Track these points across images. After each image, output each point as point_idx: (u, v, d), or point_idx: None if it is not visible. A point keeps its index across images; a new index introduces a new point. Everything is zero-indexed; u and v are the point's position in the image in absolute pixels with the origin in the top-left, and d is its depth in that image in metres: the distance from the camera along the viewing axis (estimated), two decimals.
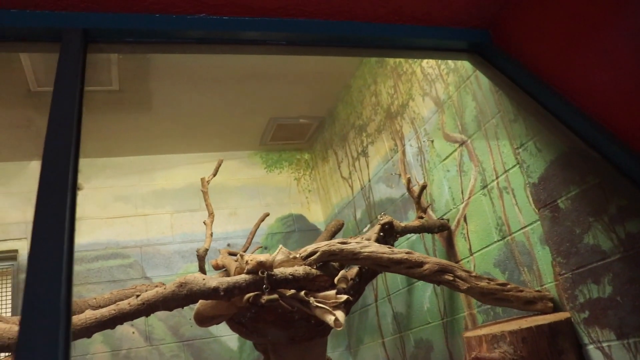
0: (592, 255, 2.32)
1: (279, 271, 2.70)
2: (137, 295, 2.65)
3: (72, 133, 1.55)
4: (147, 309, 2.62)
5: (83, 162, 4.78)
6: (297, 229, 5.70)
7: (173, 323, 4.90)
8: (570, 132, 2.21)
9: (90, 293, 4.76)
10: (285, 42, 2.42)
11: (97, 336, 4.67)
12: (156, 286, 3.09)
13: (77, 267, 4.90)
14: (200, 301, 2.87)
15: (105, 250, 5.08)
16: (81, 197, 5.14)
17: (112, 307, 2.60)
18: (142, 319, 4.84)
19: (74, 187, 1.37)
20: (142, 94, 4.54)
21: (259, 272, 2.62)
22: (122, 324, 2.62)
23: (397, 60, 4.04)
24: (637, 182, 1.96)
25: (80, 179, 5.15)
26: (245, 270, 2.68)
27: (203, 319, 2.91)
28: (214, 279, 2.63)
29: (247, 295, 2.72)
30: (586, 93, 2.19)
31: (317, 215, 5.80)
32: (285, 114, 5.35)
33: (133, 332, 4.80)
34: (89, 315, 2.52)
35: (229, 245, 5.26)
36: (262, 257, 2.65)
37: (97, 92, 4.36)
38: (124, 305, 2.60)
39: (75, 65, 1.93)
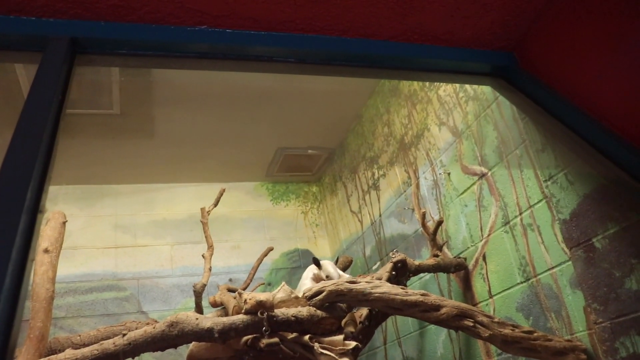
0: (636, 302, 2.05)
1: (280, 312, 2.46)
2: (124, 334, 2.40)
3: (35, 157, 1.33)
4: (133, 349, 2.38)
5: (80, 189, 4.56)
6: (303, 264, 5.42)
7: None
8: (610, 161, 1.97)
9: (82, 327, 4.50)
10: (294, 59, 2.22)
11: None
12: (147, 324, 2.85)
13: (69, 299, 4.65)
14: (194, 342, 2.62)
15: (100, 282, 4.83)
16: (77, 225, 4.93)
17: (95, 346, 2.36)
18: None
19: (33, 215, 1.14)
20: (144, 119, 4.36)
21: (258, 313, 2.38)
22: None
23: (412, 88, 3.84)
24: None
25: (77, 206, 4.96)
26: (243, 310, 2.43)
27: None
28: (208, 319, 2.39)
29: (245, 338, 2.47)
30: (629, 119, 1.96)
31: (324, 251, 5.54)
32: (294, 144, 5.15)
33: None
34: (68, 355, 2.29)
35: (230, 280, 5.02)
36: (262, 296, 2.40)
37: (97, 115, 4.19)
38: (108, 345, 2.36)
39: (56, 77, 1.72)
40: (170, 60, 2.10)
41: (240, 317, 2.40)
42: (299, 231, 5.61)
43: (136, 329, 2.56)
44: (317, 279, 3.10)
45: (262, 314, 2.37)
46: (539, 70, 2.36)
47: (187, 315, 2.40)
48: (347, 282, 2.51)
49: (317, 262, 3.09)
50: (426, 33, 2.30)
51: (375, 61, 2.31)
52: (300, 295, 2.67)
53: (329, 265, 3.11)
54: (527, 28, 2.37)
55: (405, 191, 3.98)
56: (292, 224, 5.65)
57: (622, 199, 2.10)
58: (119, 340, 2.37)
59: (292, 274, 5.32)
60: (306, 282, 3.04)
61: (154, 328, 2.39)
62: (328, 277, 3.04)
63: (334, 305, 2.58)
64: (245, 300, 2.42)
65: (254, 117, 4.60)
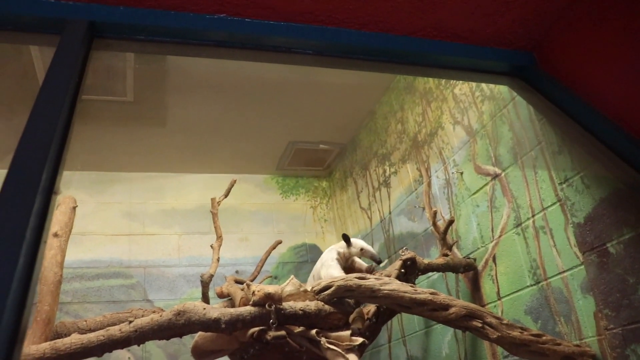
0: None
1: (288, 305, 2.44)
2: (130, 322, 2.40)
3: (51, 139, 1.31)
4: (139, 337, 2.37)
5: (91, 175, 4.56)
6: (310, 259, 5.41)
7: (172, 351, 4.61)
8: (628, 166, 1.94)
9: (87, 313, 4.50)
10: (312, 51, 2.20)
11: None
12: (153, 312, 2.85)
13: (76, 284, 4.66)
14: (199, 332, 2.61)
15: (107, 269, 4.83)
16: (87, 211, 4.93)
17: (101, 332, 2.35)
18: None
19: (47, 196, 1.13)
20: (157, 107, 4.35)
21: (266, 305, 2.37)
22: (110, 351, 2.37)
23: (428, 86, 3.81)
24: None
25: (88, 192, 4.96)
26: (251, 302, 2.42)
27: (201, 353, 2.64)
28: (215, 310, 2.38)
29: (252, 330, 2.46)
30: None
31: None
32: (305, 139, 5.13)
33: (129, 358, 4.52)
34: (74, 339, 2.28)
35: (237, 272, 5.01)
36: (271, 288, 2.39)
37: (111, 102, 4.17)
38: (114, 331, 2.35)
39: (73, 60, 1.71)
40: (188, 47, 2.09)
41: (248, 309, 2.39)
42: (307, 226, 5.60)
43: (142, 316, 2.57)
44: (344, 258, 3.11)
45: (270, 306, 2.36)
46: (558, 71, 2.33)
47: (195, 305, 2.39)
48: (356, 277, 2.50)
49: (347, 239, 3.11)
50: (446, 30, 2.28)
51: (393, 56, 2.29)
52: (317, 284, 2.64)
53: (360, 241, 3.17)
54: (548, 27, 2.34)
55: (416, 189, 3.95)
56: (300, 219, 5.64)
57: (638, 204, 2.07)
58: (125, 327, 2.36)
59: (299, 268, 5.31)
60: (332, 265, 3.03)
61: (160, 316, 2.38)
62: (363, 250, 3.10)
63: (342, 301, 2.57)
64: (254, 292, 2.41)
65: (266, 109, 4.58)
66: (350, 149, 5.26)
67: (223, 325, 2.35)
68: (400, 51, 2.27)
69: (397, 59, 2.30)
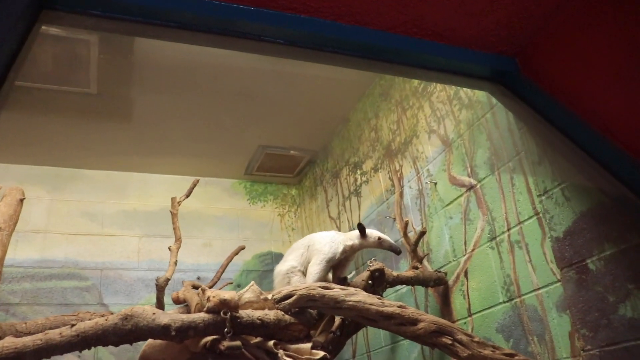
0: (630, 330, 1.90)
1: (245, 313, 2.27)
2: (72, 325, 2.19)
3: None
4: (81, 342, 2.18)
5: (49, 171, 4.33)
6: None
7: (126, 358, 4.38)
8: (613, 177, 1.83)
9: (37, 315, 4.25)
10: (284, 41, 2.04)
11: None
12: (101, 316, 2.64)
13: (26, 285, 4.41)
14: (149, 341, 2.42)
15: (61, 269, 4.59)
16: (42, 208, 4.70)
17: (39, 336, 2.14)
18: (91, 350, 4.37)
19: None
20: (122, 102, 4.15)
21: (221, 312, 2.19)
22: (49, 357, 2.16)
23: (404, 93, 3.69)
24: None
25: (45, 189, 4.72)
26: (205, 308, 2.24)
27: None
28: (165, 315, 2.20)
29: (205, 340, 2.27)
30: (636, 133, 1.81)
31: None
32: (276, 143, 4.97)
33: None
34: (7, 343, 2.06)
35: (198, 278, 4.81)
36: (227, 294, 2.22)
37: (73, 93, 3.96)
38: (53, 335, 2.15)
39: (10, 31, 1.52)
40: (148, 28, 1.92)
41: (201, 316, 2.21)
42: (273, 234, 5.42)
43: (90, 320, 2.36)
44: (352, 250, 2.94)
45: (225, 313, 2.19)
46: (542, 78, 2.22)
47: (144, 309, 2.21)
48: (320, 287, 2.34)
49: (362, 229, 2.91)
50: (426, 27, 2.15)
51: (370, 52, 2.15)
52: (277, 292, 2.44)
53: (375, 230, 2.99)
54: (533, 33, 2.23)
55: (387, 199, 3.82)
56: (267, 226, 5.46)
57: (622, 218, 1.95)
58: (66, 331, 2.16)
59: (264, 277, 5.13)
60: (321, 266, 2.83)
61: (106, 320, 2.19)
62: (381, 240, 2.91)
63: (304, 311, 2.40)
64: (209, 297, 2.24)
65: (237, 110, 4.42)
66: (321, 156, 5.12)
67: (173, 333, 2.17)
68: (377, 47, 2.13)
69: (373, 55, 2.16)
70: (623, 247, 1.95)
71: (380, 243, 2.94)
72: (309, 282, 2.72)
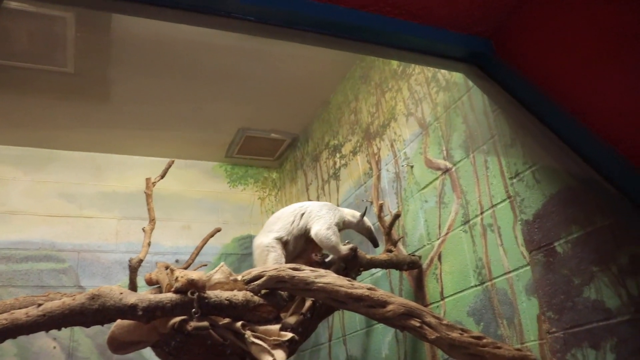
0: (593, 313, 1.90)
1: (213, 294, 2.25)
2: (39, 305, 2.16)
3: None
4: (48, 322, 2.13)
5: (26, 151, 4.28)
6: (254, 263, 5.21)
7: (102, 341, 4.34)
8: (582, 160, 1.82)
9: (11, 297, 4.21)
10: (254, 18, 2.01)
11: (11, 348, 4.14)
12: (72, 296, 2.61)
13: (1, 267, 4.36)
14: (117, 322, 2.39)
15: (37, 251, 4.54)
16: (19, 189, 4.66)
17: (4, 315, 2.10)
18: (67, 332, 4.34)
19: None
20: (100, 81, 4.08)
21: (189, 293, 2.16)
22: (14, 337, 2.12)
23: (383, 76, 3.66)
24: None
25: (22, 169, 4.66)
26: (173, 288, 2.22)
27: (118, 345, 2.42)
28: (132, 295, 2.17)
29: (173, 320, 2.25)
30: (606, 116, 1.81)
31: None
32: (257, 126, 4.93)
33: (54, 347, 4.25)
34: None
35: (177, 261, 4.78)
36: (195, 274, 2.19)
37: (49, 72, 3.90)
38: (19, 315, 2.11)
39: None
40: (117, 3, 1.88)
41: (169, 296, 2.18)
42: (253, 217, 5.40)
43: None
44: (345, 225, 3.01)
45: (192, 294, 2.16)
46: (516, 60, 2.21)
47: (111, 289, 2.17)
48: (289, 268, 2.32)
49: (365, 212, 3.04)
50: (400, 6, 2.12)
51: (342, 30, 2.12)
52: (247, 273, 2.41)
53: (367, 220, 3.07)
54: (507, 14, 2.21)
55: (365, 183, 3.80)
56: (247, 209, 5.44)
57: (590, 201, 1.95)
58: (32, 311, 2.12)
59: (243, 260, 5.11)
60: (332, 229, 2.83)
61: (73, 300, 2.15)
62: (370, 230, 3.06)
63: (274, 292, 2.38)
64: (177, 277, 2.21)
65: (217, 92, 4.37)
66: (302, 140, 5.09)
67: (140, 313, 2.13)
68: (350, 25, 2.10)
69: (346, 34, 2.13)
70: (589, 230, 1.94)
71: (369, 232, 3.05)
72: (328, 246, 2.78)
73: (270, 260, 2.81)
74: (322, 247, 2.87)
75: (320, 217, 2.88)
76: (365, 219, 3.06)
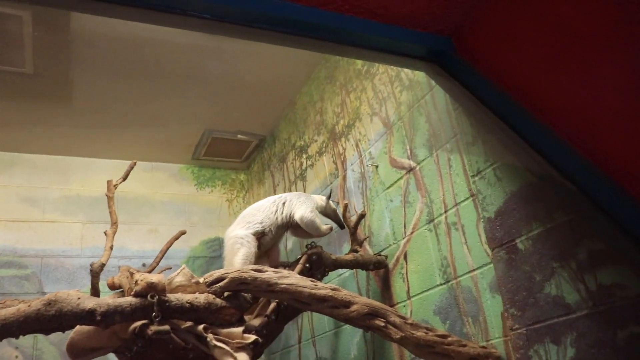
0: (554, 308, 1.91)
1: (174, 297, 2.20)
2: None
3: None
4: (2, 330, 2.06)
5: None
6: (223, 254, 5.15)
7: None
8: (541, 157, 1.82)
9: None
10: (210, 15, 1.97)
11: None
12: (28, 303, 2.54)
13: None
14: (77, 327, 2.32)
15: None
16: None
17: None
18: (30, 340, 4.24)
19: None
20: (61, 82, 3.99)
21: (149, 296, 2.12)
22: None
23: (348, 75, 3.65)
24: (618, 220, 1.57)
25: None
26: (132, 292, 2.17)
27: (78, 352, 2.34)
28: (90, 299, 2.11)
29: (134, 325, 2.20)
30: (564, 114, 1.81)
31: None
32: (223, 128, 4.88)
33: (16, 357, 4.14)
34: None
35: (143, 265, 4.70)
36: (155, 277, 2.15)
37: (7, 73, 3.80)
38: None
39: None
40: None
41: (128, 300, 2.13)
42: (221, 219, 5.34)
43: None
44: (319, 209, 3.11)
45: (152, 297, 2.11)
46: (476, 58, 2.21)
47: (69, 294, 2.12)
48: (252, 269, 2.29)
49: (330, 195, 3.18)
50: (359, 4, 2.10)
51: (301, 29, 2.09)
52: (209, 275, 2.37)
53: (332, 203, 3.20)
54: (467, 12, 2.21)
55: (331, 183, 3.79)
56: (215, 212, 5.38)
57: (549, 198, 1.96)
58: None
59: (211, 263, 5.06)
60: (314, 213, 3.01)
61: (28, 306, 2.09)
62: (335, 211, 3.18)
63: (237, 295, 2.35)
64: (136, 281, 2.16)
65: (182, 93, 4.31)
66: (269, 141, 5.06)
67: (98, 318, 2.08)
68: (308, 24, 2.07)
69: (304, 32, 2.11)
70: (549, 226, 1.95)
71: (335, 214, 3.18)
72: (313, 227, 2.96)
73: (239, 255, 2.85)
74: (306, 230, 3.00)
75: (302, 203, 3.02)
76: (330, 201, 3.17)
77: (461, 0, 2.16)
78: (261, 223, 2.97)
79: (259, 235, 2.95)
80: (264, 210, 3.02)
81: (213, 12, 1.96)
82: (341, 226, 3.15)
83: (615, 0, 1.63)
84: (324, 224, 3.05)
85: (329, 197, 3.17)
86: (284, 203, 3.03)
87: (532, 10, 1.94)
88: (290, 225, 3.03)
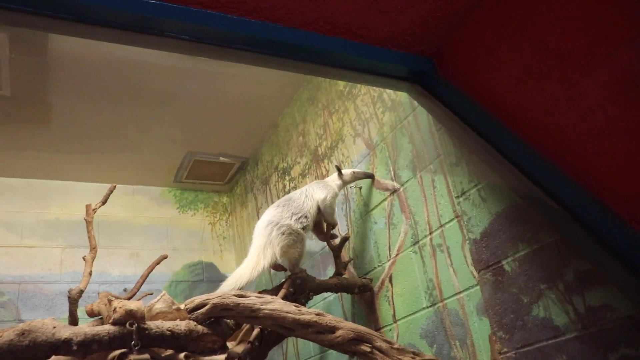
0: (542, 331, 1.88)
1: (154, 324, 2.14)
2: None
3: None
4: None
5: None
6: (206, 278, 5.08)
7: None
8: (525, 177, 1.80)
9: None
10: (189, 37, 1.94)
11: None
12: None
13: None
14: (53, 358, 2.24)
15: None
16: None
17: None
18: None
19: None
20: (39, 105, 3.93)
21: (127, 324, 2.06)
22: None
23: (330, 97, 3.63)
24: (605, 240, 1.55)
25: None
26: (111, 320, 2.10)
27: None
28: (66, 328, 2.05)
29: (112, 354, 2.13)
30: (546, 133, 1.80)
31: (229, 265, 5.21)
32: (205, 150, 4.83)
33: None
34: None
35: (125, 290, 4.61)
36: (134, 304, 2.09)
37: None
38: None
39: None
40: (41, 19, 1.79)
41: (106, 328, 2.07)
42: (204, 243, 5.27)
43: None
44: (340, 188, 3.15)
45: (131, 325, 2.05)
46: (458, 78, 2.20)
47: (43, 323, 2.05)
48: (234, 295, 2.24)
49: (339, 169, 3.15)
50: (339, 25, 2.09)
51: (281, 50, 2.07)
52: (190, 301, 2.31)
53: (347, 170, 3.21)
54: (447, 32, 2.20)
55: None
56: (197, 235, 5.30)
57: (535, 218, 1.93)
58: None
59: (194, 288, 4.97)
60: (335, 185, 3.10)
61: (0, 336, 2.02)
62: (355, 172, 3.15)
63: (219, 321, 2.29)
64: (115, 308, 2.10)
65: (163, 115, 4.27)
66: (252, 163, 5.02)
67: (75, 347, 2.02)
68: (289, 45, 2.05)
69: (285, 53, 2.09)
70: (535, 247, 1.93)
71: (355, 176, 3.14)
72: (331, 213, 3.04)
73: (298, 251, 2.84)
74: (323, 213, 3.02)
75: (322, 188, 3.05)
76: (345, 171, 3.19)
77: (442, 21, 2.15)
78: (307, 218, 2.93)
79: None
80: (287, 205, 2.99)
81: (191, 33, 1.94)
82: (370, 176, 3.13)
83: (592, 20, 1.63)
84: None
85: (339, 170, 3.13)
86: (305, 195, 3.04)
87: (512, 30, 1.94)
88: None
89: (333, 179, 3.14)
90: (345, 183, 3.13)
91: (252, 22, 1.98)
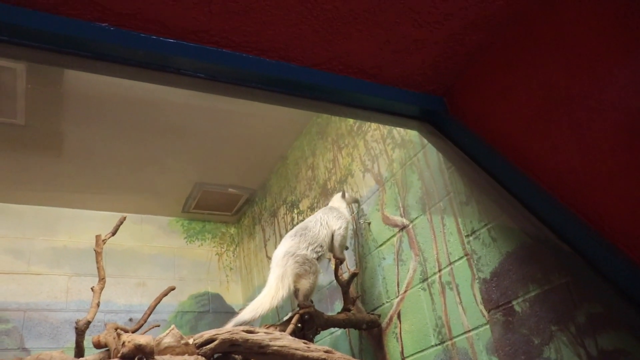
0: None
1: (162, 359, 2.13)
2: None
3: None
4: None
5: None
6: (212, 309, 5.07)
7: None
8: (536, 219, 1.81)
9: None
10: (204, 75, 1.98)
11: None
12: None
13: None
14: None
15: None
16: None
17: None
18: None
19: None
20: (52, 134, 3.98)
21: (136, 359, 2.05)
22: None
23: (340, 132, 3.67)
24: (616, 283, 1.55)
25: None
26: (119, 354, 2.10)
27: None
28: None
29: None
30: (557, 174, 1.81)
31: (236, 297, 5.20)
32: (213, 181, 4.86)
33: None
34: None
35: (130, 320, 4.60)
36: (143, 339, 2.08)
37: None
38: None
39: None
40: (59, 56, 1.83)
41: None
42: (211, 273, 5.26)
43: None
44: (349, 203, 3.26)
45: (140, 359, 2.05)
46: (468, 118, 2.22)
47: (52, 356, 2.05)
48: (243, 331, 2.23)
49: (344, 193, 3.28)
50: (352, 65, 2.12)
51: (295, 89, 2.10)
52: (199, 336, 2.31)
53: (347, 194, 3.34)
54: (458, 73, 2.24)
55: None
56: (204, 265, 5.30)
57: (545, 259, 1.93)
58: None
59: (200, 319, 4.95)
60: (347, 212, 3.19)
61: None
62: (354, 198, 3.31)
63: (227, 356, 2.29)
64: (124, 342, 2.10)
65: (173, 146, 4.31)
66: (260, 195, 5.04)
67: None
68: (302, 84, 2.09)
69: (299, 91, 2.12)
70: (547, 288, 1.92)
71: (355, 200, 3.34)
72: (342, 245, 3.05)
73: (311, 282, 2.84)
74: (334, 242, 3.05)
75: (337, 218, 3.09)
76: (348, 195, 3.35)
77: (452, 62, 2.19)
78: (322, 247, 2.97)
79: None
80: (303, 234, 3.01)
81: (207, 72, 1.97)
82: (356, 201, 3.34)
83: (601, 64, 1.66)
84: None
85: (343, 194, 3.25)
86: (320, 223, 3.06)
87: (522, 72, 1.97)
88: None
89: (340, 203, 3.22)
90: (348, 203, 3.29)
91: (266, 62, 2.01)
